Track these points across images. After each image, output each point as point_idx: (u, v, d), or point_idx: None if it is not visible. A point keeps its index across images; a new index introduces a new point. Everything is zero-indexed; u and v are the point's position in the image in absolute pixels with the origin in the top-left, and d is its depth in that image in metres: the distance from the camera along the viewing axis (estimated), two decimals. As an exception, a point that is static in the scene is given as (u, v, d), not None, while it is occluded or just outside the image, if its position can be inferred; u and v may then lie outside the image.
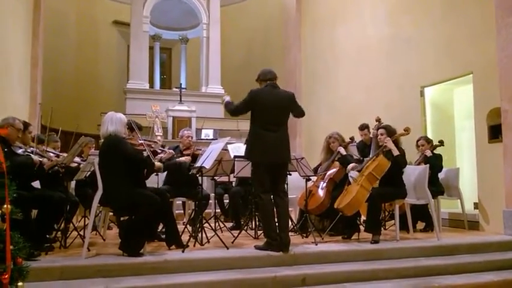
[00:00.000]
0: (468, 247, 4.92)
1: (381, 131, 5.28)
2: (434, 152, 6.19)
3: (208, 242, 4.85)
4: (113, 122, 4.31)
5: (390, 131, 5.21)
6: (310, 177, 5.43)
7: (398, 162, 5.04)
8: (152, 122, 11.57)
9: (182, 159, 5.72)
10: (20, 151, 4.36)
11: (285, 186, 4.71)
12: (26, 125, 4.70)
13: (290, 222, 5.49)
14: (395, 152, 5.02)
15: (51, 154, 4.71)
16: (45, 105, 9.85)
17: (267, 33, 14.78)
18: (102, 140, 4.39)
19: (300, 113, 4.81)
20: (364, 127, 6.78)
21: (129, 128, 4.86)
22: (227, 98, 4.74)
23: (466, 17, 6.24)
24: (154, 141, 5.14)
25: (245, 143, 5.20)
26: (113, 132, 4.28)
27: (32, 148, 4.56)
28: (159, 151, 5.23)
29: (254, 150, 4.49)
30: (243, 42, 15.59)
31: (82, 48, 14.45)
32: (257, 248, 4.42)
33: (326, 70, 9.75)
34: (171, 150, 5.55)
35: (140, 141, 4.67)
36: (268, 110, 4.47)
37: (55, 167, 4.71)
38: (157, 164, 4.59)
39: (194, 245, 4.67)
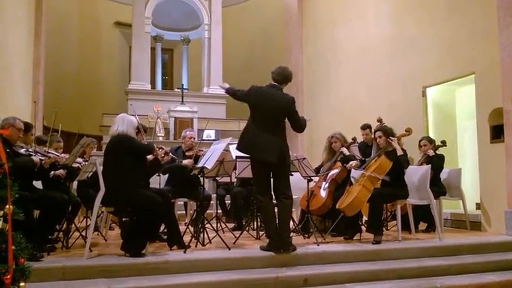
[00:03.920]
0: (470, 247, 4.90)
1: (378, 133, 5.26)
2: (437, 152, 6.18)
3: (210, 242, 4.85)
4: (124, 123, 4.37)
5: (387, 132, 5.20)
6: (312, 178, 5.42)
7: (401, 162, 5.03)
8: (154, 123, 11.61)
9: (185, 162, 5.68)
10: (22, 151, 4.36)
11: (287, 188, 4.57)
12: (29, 126, 4.70)
13: (292, 223, 5.50)
14: (400, 152, 5.01)
15: (52, 155, 4.71)
16: (48, 106, 9.89)
17: (268, 34, 14.79)
18: (110, 139, 4.40)
19: (297, 125, 4.56)
20: (366, 127, 6.79)
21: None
22: (227, 85, 4.73)
23: (468, 17, 6.23)
24: (161, 147, 5.15)
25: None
26: (122, 132, 4.33)
27: (33, 148, 4.56)
28: (166, 156, 5.25)
29: (242, 140, 4.46)
30: (245, 43, 15.60)
31: (84, 49, 14.48)
32: (261, 248, 4.41)
33: (328, 71, 9.74)
34: (170, 154, 5.54)
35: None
36: (261, 109, 4.42)
37: (56, 165, 4.72)
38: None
39: (196, 246, 4.67)
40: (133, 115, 4.68)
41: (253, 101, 4.48)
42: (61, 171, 4.84)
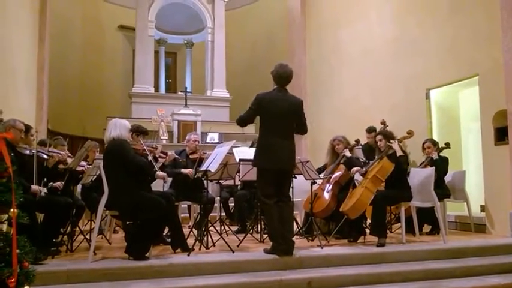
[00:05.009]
0: (475, 250, 4.89)
1: (378, 137, 5.29)
2: (441, 154, 6.16)
3: (214, 245, 4.84)
4: (116, 127, 4.33)
5: (387, 135, 5.21)
6: (316, 181, 5.41)
7: (401, 163, 5.03)
8: (158, 126, 11.64)
9: (186, 171, 5.69)
10: (26, 152, 4.37)
11: (289, 191, 4.61)
12: (28, 128, 4.71)
13: (295, 226, 5.49)
14: (399, 153, 5.01)
15: (55, 154, 4.71)
16: (52, 110, 9.94)
17: (271, 37, 14.80)
18: (106, 144, 4.41)
19: (303, 128, 4.61)
20: (371, 130, 6.76)
21: (135, 133, 4.87)
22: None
23: (471, 19, 6.21)
24: (156, 147, 5.13)
25: (251, 146, 5.19)
26: (116, 136, 4.30)
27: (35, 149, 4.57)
28: (163, 155, 5.22)
29: (262, 157, 4.42)
30: (248, 46, 15.63)
31: (88, 52, 14.54)
32: (265, 251, 4.41)
33: (331, 73, 9.73)
34: (172, 153, 5.53)
35: (143, 147, 4.68)
36: (275, 115, 4.39)
37: (60, 169, 4.73)
38: (161, 173, 4.58)
39: (200, 249, 4.67)
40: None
41: (267, 108, 4.41)
42: (58, 184, 4.79)
